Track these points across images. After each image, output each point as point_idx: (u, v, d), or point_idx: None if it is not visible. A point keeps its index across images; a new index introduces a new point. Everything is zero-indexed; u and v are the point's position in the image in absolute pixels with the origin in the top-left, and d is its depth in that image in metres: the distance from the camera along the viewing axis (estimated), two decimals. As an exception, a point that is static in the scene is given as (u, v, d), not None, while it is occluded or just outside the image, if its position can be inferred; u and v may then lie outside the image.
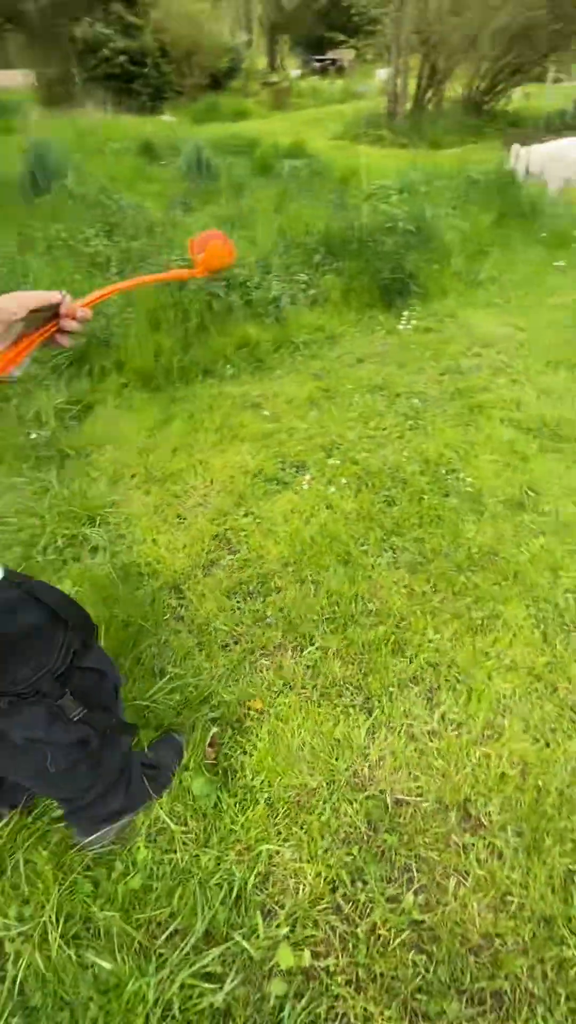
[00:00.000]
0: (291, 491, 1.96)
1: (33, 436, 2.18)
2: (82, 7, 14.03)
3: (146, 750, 1.15)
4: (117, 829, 1.04)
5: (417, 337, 3.08)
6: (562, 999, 0.87)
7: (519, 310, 3.40)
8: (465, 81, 9.86)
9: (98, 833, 1.01)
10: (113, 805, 1.00)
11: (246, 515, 1.86)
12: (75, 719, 0.85)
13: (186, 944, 0.91)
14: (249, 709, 1.27)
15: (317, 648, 1.41)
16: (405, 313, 3.29)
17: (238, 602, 1.55)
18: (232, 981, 0.88)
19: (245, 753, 1.19)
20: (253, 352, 2.89)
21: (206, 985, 0.87)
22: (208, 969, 0.89)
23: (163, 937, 0.92)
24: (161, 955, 0.90)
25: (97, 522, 1.81)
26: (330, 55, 21.04)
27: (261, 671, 1.37)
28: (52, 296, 0.70)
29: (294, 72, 21.36)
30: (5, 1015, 0.84)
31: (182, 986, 0.87)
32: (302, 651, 1.41)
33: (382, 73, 19.13)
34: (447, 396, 2.50)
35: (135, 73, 14.35)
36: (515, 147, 4.95)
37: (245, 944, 0.91)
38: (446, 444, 2.15)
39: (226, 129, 9.67)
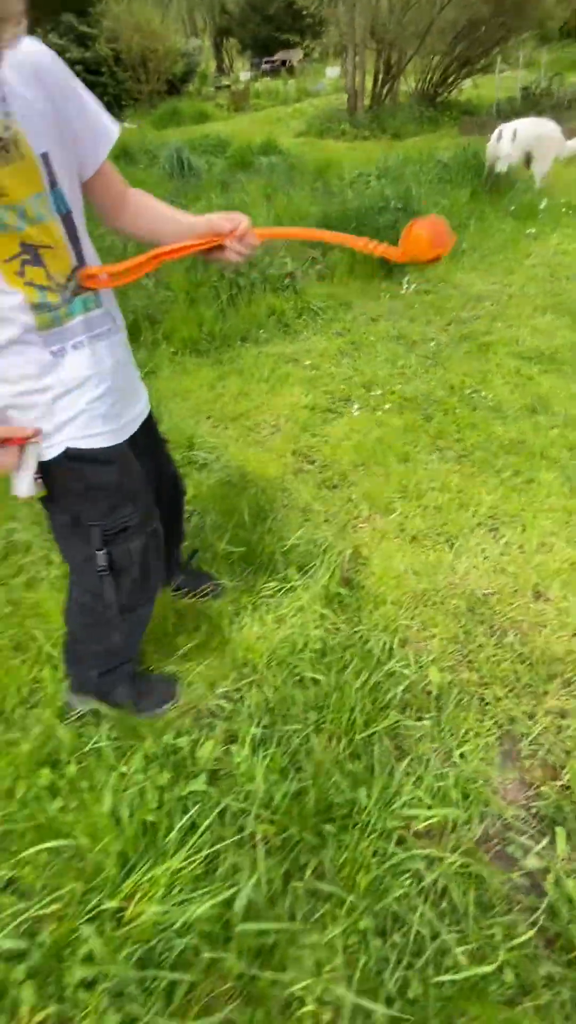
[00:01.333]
0: (345, 417, 2.37)
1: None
2: (33, 20, 14.20)
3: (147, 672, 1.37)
4: (91, 700, 1.21)
5: (418, 298, 3.52)
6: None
7: (502, 271, 3.87)
8: (418, 75, 10.43)
9: (78, 697, 1.24)
10: (90, 675, 1.20)
11: (313, 436, 2.26)
12: (104, 571, 1.03)
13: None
14: (359, 553, 1.67)
15: (399, 513, 1.82)
16: (404, 280, 3.72)
17: (327, 492, 1.95)
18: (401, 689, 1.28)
19: (366, 575, 1.58)
20: (280, 319, 3.28)
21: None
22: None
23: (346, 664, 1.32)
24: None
25: (195, 447, 2.18)
26: (279, 56, 21.52)
27: (359, 531, 1.77)
28: (233, 218, 0.92)
29: (244, 74, 21.75)
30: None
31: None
32: (388, 516, 1.81)
33: (332, 71, 19.66)
34: (456, 340, 2.94)
35: (92, 82, 14.54)
36: (501, 127, 5.03)
37: (405, 672, 1.31)
38: (464, 373, 2.58)
39: (194, 131, 10.03)
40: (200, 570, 1.60)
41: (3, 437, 0.86)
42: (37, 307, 0.83)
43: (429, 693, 1.29)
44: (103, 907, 0.94)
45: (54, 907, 0.96)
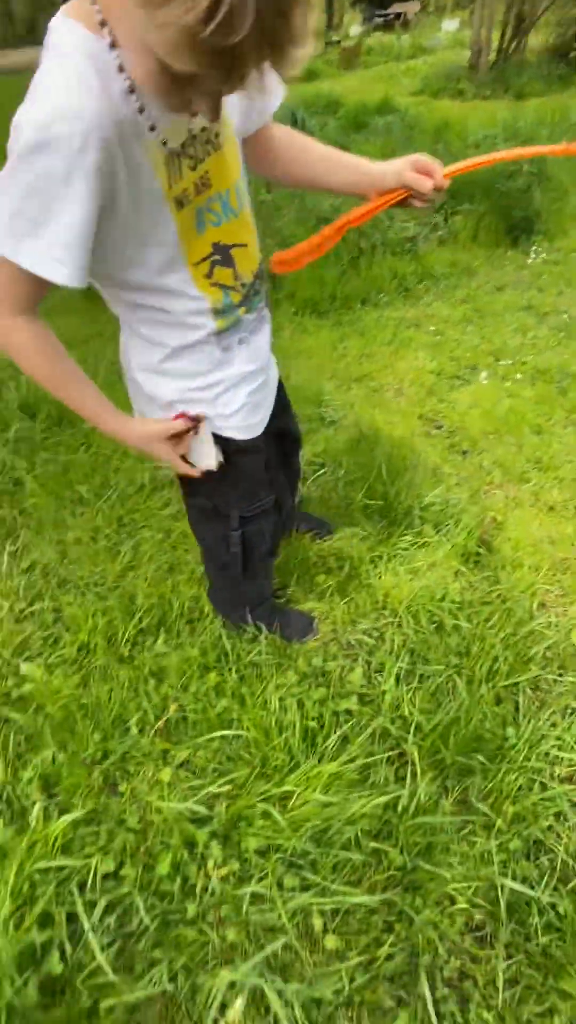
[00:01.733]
0: (472, 385, 2.34)
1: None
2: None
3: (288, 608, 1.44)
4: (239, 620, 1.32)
5: (547, 268, 3.35)
6: None
7: None
8: (551, 28, 9.59)
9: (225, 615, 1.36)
10: (234, 614, 1.31)
11: (440, 402, 2.26)
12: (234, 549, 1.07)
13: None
14: (494, 519, 1.68)
15: (534, 484, 1.81)
16: (532, 249, 3.55)
17: (456, 457, 1.96)
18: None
19: (502, 540, 1.60)
20: (401, 283, 3.24)
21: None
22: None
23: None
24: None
25: (323, 404, 2.24)
26: (394, 8, 20.39)
27: (492, 498, 1.78)
28: (426, 166, 0.80)
29: (355, 29, 20.80)
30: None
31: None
32: (522, 485, 1.81)
33: (449, 24, 18.40)
34: (591, 314, 2.80)
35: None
36: None
37: (547, 632, 1.34)
38: (602, 349, 2.47)
39: (306, 90, 9.80)
40: (307, 513, 1.67)
41: (182, 430, 0.86)
42: (220, 312, 0.80)
43: (573, 655, 1.31)
44: (271, 792, 1.06)
45: (226, 788, 1.09)
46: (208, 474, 0.93)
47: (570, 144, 0.90)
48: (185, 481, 0.99)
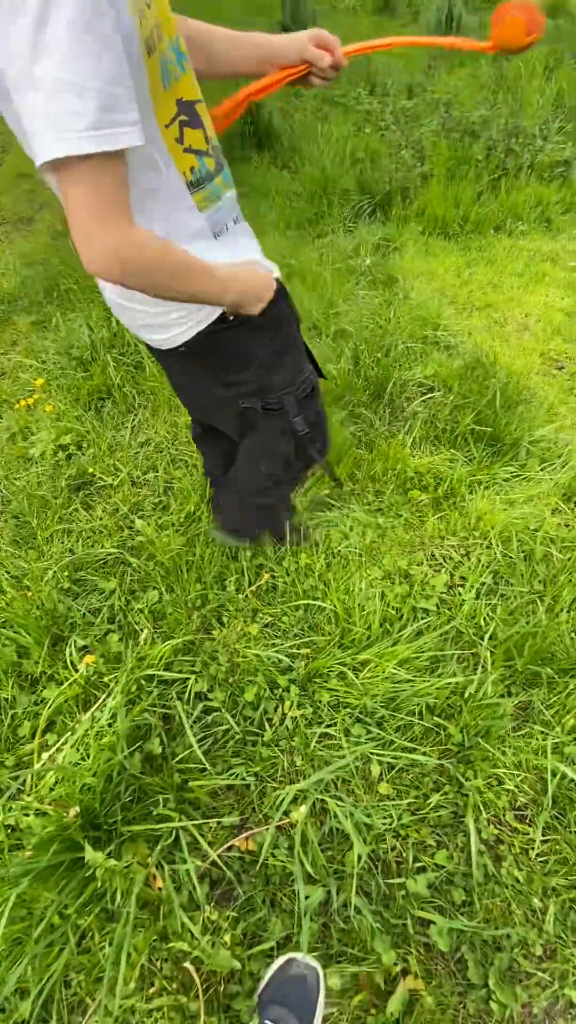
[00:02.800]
0: (605, 329, 2.18)
1: (367, 261, 2.56)
2: None
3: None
4: (245, 535, 1.33)
5: None
6: None
7: None
8: None
9: (227, 533, 1.35)
10: (253, 524, 1.28)
11: (566, 342, 2.13)
12: (302, 433, 0.99)
13: None
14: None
15: None
16: None
17: (574, 400, 1.88)
18: None
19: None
20: (543, 212, 2.98)
21: None
22: None
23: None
24: None
25: (439, 329, 2.18)
26: None
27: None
28: (326, 40, 0.79)
29: None
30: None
31: None
32: None
33: None
34: None
35: None
36: None
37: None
38: None
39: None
40: None
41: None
42: (196, 184, 0.72)
43: None
44: (346, 660, 1.17)
45: (305, 650, 1.22)
46: (246, 353, 0.89)
47: (455, 39, 0.86)
48: (233, 385, 0.94)
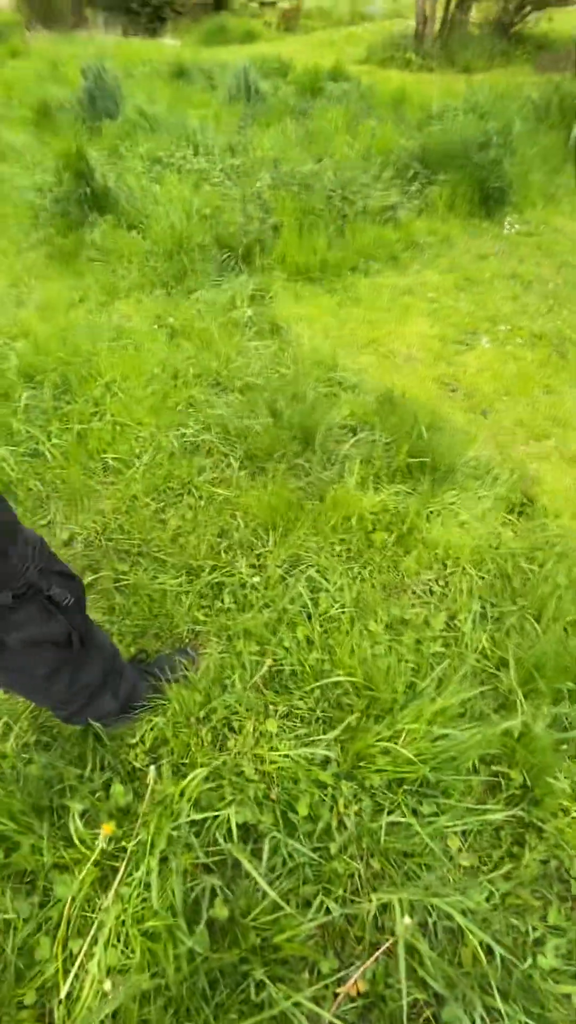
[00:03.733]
0: (476, 350, 2.42)
1: (248, 312, 2.57)
2: None
3: (154, 658, 1.23)
4: (120, 725, 1.09)
5: (523, 239, 3.48)
6: None
7: (603, 218, 3.80)
8: (492, 3, 9.72)
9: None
10: (105, 708, 1.02)
11: (450, 366, 2.32)
12: (66, 605, 0.84)
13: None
14: (534, 473, 1.77)
15: (556, 439, 1.91)
16: (506, 220, 3.66)
17: (478, 417, 2.04)
18: None
19: (540, 492, 1.70)
20: (388, 251, 3.26)
21: None
22: None
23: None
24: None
25: (337, 370, 2.25)
26: (327, -28, 19.83)
27: (520, 454, 1.87)
28: None
29: (288, -10, 20.12)
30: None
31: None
32: (544, 441, 1.91)
33: (384, -8, 18.16)
34: (573, 284, 2.94)
35: (133, -9, 13.56)
36: None
37: None
38: (589, 315, 2.62)
39: (245, 52, 9.45)
40: None
41: None
42: None
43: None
44: (383, 733, 1.10)
45: (334, 733, 1.12)
46: None
47: None
48: None
